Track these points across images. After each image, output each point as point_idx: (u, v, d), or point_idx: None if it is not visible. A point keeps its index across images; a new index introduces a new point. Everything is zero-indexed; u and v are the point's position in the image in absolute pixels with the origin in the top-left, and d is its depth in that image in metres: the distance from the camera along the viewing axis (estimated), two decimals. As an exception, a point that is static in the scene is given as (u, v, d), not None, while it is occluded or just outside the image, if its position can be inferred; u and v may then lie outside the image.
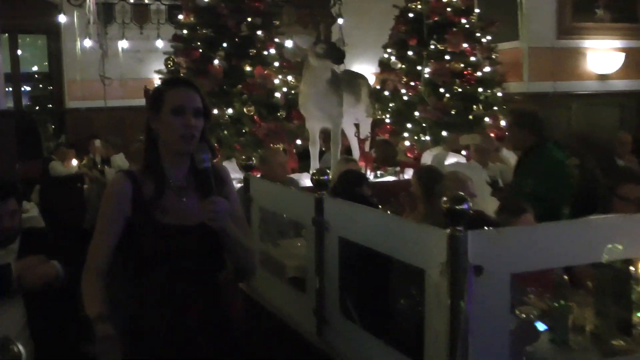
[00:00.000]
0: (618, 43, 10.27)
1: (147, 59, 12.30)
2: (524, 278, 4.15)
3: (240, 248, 2.99)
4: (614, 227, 3.31)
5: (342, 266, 3.76)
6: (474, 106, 9.10)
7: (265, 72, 8.56)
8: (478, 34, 9.33)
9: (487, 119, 9.08)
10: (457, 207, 2.49)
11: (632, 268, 3.64)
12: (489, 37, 9.43)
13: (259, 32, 8.77)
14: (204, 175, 2.84)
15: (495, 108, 9.25)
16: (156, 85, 3.20)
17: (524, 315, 3.58)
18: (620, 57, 10.31)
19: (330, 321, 3.75)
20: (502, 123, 9.06)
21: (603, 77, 10.34)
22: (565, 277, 4.19)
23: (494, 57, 9.43)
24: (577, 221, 4.21)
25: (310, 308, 3.86)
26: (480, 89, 9.18)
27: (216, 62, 8.48)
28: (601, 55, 10.28)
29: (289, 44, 8.98)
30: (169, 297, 2.95)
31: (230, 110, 8.41)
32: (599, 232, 3.19)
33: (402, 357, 3.19)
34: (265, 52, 8.75)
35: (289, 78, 8.93)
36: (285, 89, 8.77)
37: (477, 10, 9.53)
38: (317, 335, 3.84)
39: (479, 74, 9.20)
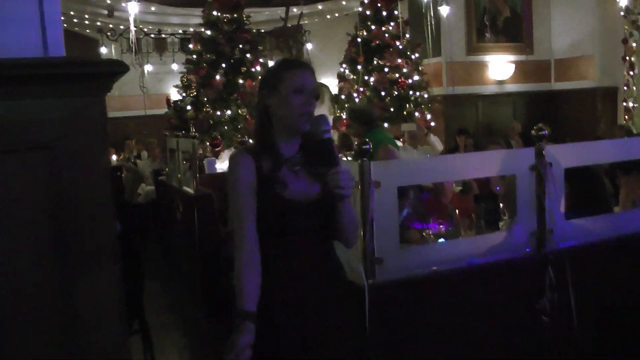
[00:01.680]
0: (510, 57, 10.63)
1: (165, 79, 12.70)
2: (429, 210, 4.65)
3: (352, 219, 2.54)
4: (464, 160, 3.75)
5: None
6: (407, 105, 9.67)
7: (254, 83, 9.20)
8: (408, 53, 9.87)
9: (416, 114, 9.62)
10: (363, 146, 2.96)
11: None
12: (416, 55, 9.97)
13: (248, 55, 9.49)
14: (327, 145, 2.39)
15: (423, 106, 9.82)
16: (270, 67, 2.69)
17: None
18: (512, 67, 10.67)
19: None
20: (428, 117, 9.73)
21: (500, 82, 10.67)
22: (457, 210, 4.94)
23: (420, 69, 9.96)
24: (443, 156, 4.89)
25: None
26: (411, 92, 9.72)
27: (217, 77, 9.23)
28: (498, 66, 10.60)
29: (270, 63, 9.80)
30: (292, 273, 2.49)
31: (229, 112, 9.12)
32: (451, 162, 3.68)
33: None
34: (253, 70, 9.48)
35: None
36: None
37: (407, 36, 10.01)
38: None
39: (409, 81, 9.72)
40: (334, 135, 9.29)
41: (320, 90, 9.38)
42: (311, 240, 2.51)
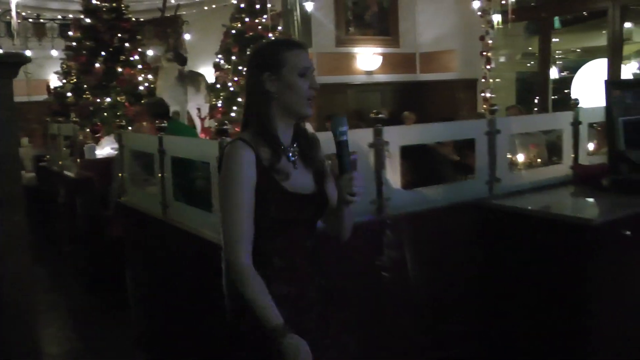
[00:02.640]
0: (378, 49, 11.07)
1: (45, 64, 12.51)
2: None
3: (350, 215, 2.44)
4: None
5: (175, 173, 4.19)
6: None
7: (132, 72, 9.44)
8: None
9: None
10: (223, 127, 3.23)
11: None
12: None
13: (127, 44, 9.60)
14: (342, 148, 2.28)
15: None
16: (264, 43, 2.49)
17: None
18: (379, 59, 11.10)
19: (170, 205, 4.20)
20: None
21: (368, 73, 11.08)
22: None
23: None
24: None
25: (159, 201, 4.25)
26: None
27: (97, 65, 9.30)
28: (366, 58, 11.01)
29: (149, 52, 10.07)
30: (290, 267, 2.37)
31: (108, 99, 9.27)
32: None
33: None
34: (132, 58, 9.59)
35: (149, 76, 9.72)
36: (146, 84, 9.58)
37: (280, 28, 10.46)
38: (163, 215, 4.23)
39: None
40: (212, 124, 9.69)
41: (196, 78, 9.84)
42: (307, 233, 2.42)
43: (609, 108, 4.82)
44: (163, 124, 4.38)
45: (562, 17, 11.42)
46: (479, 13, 9.95)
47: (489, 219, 4.15)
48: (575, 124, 4.84)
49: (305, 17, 10.40)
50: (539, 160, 5.89)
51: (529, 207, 4.05)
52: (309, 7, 9.97)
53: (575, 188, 4.65)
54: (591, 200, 4.37)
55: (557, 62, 13.19)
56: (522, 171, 5.33)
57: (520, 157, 5.98)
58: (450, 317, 4.08)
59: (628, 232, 3.76)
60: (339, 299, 2.58)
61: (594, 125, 5.42)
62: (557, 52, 13.39)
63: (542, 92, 10.35)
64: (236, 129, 10.12)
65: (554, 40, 11.14)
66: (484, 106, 9.99)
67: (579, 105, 4.87)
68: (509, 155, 4.72)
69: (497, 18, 9.63)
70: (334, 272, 3.44)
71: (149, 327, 4.87)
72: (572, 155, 4.86)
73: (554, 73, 12.19)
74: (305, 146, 2.40)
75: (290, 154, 2.35)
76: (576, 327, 3.77)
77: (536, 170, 5.25)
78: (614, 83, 5.30)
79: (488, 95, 10.06)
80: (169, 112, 6.33)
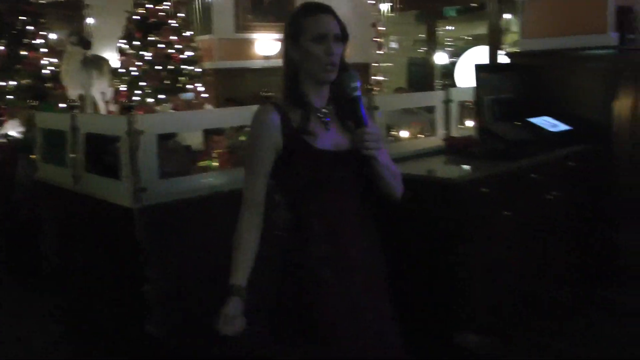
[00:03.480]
0: (276, 35, 11.22)
1: None
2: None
3: (389, 173, 2.39)
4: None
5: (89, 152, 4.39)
6: (181, 77, 10.23)
7: (36, 55, 9.50)
8: (182, 30, 10.41)
9: (189, 86, 10.25)
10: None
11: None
12: (190, 32, 10.56)
13: (30, 27, 9.58)
14: (355, 103, 2.29)
15: (196, 78, 10.45)
16: (294, 10, 2.48)
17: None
18: (278, 45, 11.15)
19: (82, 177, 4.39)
20: (200, 88, 10.42)
21: (266, 57, 11.32)
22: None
23: (193, 45, 10.53)
24: (191, 111, 5.83)
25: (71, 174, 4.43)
26: (184, 66, 10.28)
27: (1, 47, 9.34)
28: (265, 43, 11.31)
29: (52, 36, 10.11)
30: (330, 230, 2.35)
31: (13, 82, 9.31)
32: (194, 115, 4.74)
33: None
34: (35, 41, 9.59)
35: (54, 60, 9.76)
36: (51, 68, 9.65)
37: (181, 15, 10.59)
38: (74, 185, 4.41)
39: (183, 56, 10.26)
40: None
41: (100, 63, 9.99)
42: (347, 194, 2.38)
43: (477, 88, 5.43)
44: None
45: (456, 7, 12.03)
46: (371, 1, 10.48)
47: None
48: (447, 102, 5.44)
49: (206, 3, 10.69)
50: (421, 135, 6.40)
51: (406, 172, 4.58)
52: None
53: (447, 157, 5.27)
54: (458, 165, 5.00)
55: (448, 48, 13.92)
56: (402, 142, 5.88)
57: (404, 133, 6.54)
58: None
59: (485, 189, 4.33)
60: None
61: (467, 103, 6.00)
62: (449, 39, 14.13)
63: (429, 76, 10.97)
64: (141, 112, 10.50)
65: (448, 27, 11.73)
66: (377, 88, 10.54)
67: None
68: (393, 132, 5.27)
69: (385, 7, 10.17)
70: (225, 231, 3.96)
71: (65, 298, 5.02)
72: (445, 129, 5.46)
73: (444, 58, 12.89)
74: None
75: (323, 115, 2.38)
76: (442, 274, 4.32)
77: (414, 142, 5.82)
78: (481, 67, 5.90)
79: (380, 78, 10.61)
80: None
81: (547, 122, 5.77)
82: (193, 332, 3.77)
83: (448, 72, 12.34)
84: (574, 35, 5.95)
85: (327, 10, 2.40)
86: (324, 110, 2.39)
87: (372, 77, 10.86)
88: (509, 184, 4.64)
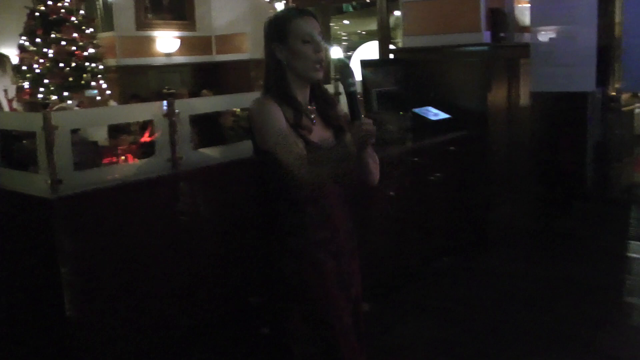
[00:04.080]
0: (176, 33, 11.64)
1: None
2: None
3: (373, 161, 2.57)
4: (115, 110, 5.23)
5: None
6: (84, 74, 10.35)
7: None
8: (83, 27, 10.53)
9: (93, 83, 10.35)
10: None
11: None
12: (92, 29, 10.70)
13: None
14: (353, 97, 2.39)
15: (99, 75, 10.58)
16: (274, 15, 2.63)
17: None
18: (178, 42, 11.71)
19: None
20: (104, 85, 10.56)
21: (168, 55, 11.62)
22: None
23: (95, 42, 10.69)
24: (101, 107, 5.91)
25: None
26: (87, 63, 10.40)
27: None
28: (166, 41, 11.56)
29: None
30: (323, 214, 2.54)
31: None
32: (107, 111, 4.99)
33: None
34: None
35: None
36: None
37: (82, 12, 10.70)
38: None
39: (85, 53, 10.41)
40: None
41: (2, 60, 10.00)
42: (334, 183, 2.54)
43: (363, 82, 5.92)
44: None
45: (352, 3, 12.47)
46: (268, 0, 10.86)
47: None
48: (336, 94, 5.86)
49: (107, 1, 10.82)
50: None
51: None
52: None
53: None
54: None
55: (344, 43, 14.41)
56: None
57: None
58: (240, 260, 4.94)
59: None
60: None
61: (358, 94, 6.48)
62: (344, 34, 14.62)
63: (325, 70, 11.40)
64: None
65: (345, 22, 12.09)
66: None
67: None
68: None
69: (280, 5, 10.58)
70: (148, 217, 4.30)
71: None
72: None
73: (339, 53, 13.35)
74: (323, 106, 2.56)
75: (309, 114, 2.52)
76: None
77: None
78: (365, 62, 6.40)
79: (279, 73, 10.97)
80: None
81: (430, 112, 6.36)
82: (110, 317, 4.13)
83: (374, 64, 12.72)
84: (451, 33, 6.56)
85: (311, 13, 2.54)
86: (309, 108, 2.54)
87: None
88: (394, 167, 5.17)
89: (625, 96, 9.27)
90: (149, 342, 4.33)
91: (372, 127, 2.31)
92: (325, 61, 2.63)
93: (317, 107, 2.56)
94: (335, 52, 12.87)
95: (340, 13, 13.77)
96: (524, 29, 7.02)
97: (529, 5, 6.92)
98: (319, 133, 2.52)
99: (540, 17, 6.78)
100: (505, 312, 5.03)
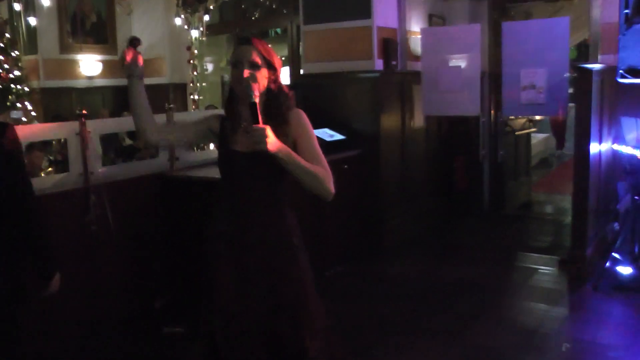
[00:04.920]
0: (98, 56, 11.89)
1: None
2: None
3: (303, 173, 2.72)
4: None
5: None
6: (10, 96, 10.43)
7: None
8: (9, 50, 10.54)
9: (18, 104, 10.43)
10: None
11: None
12: (16, 52, 10.70)
13: None
14: (252, 108, 2.61)
15: (24, 97, 10.57)
16: None
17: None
18: (100, 65, 11.92)
19: None
20: (29, 106, 10.64)
21: (90, 77, 11.81)
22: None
23: (19, 64, 10.72)
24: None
25: None
26: (12, 85, 10.46)
27: None
28: (88, 64, 11.78)
29: None
30: (234, 210, 2.86)
31: None
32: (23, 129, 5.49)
33: None
34: None
35: None
36: None
37: (7, 35, 10.67)
38: None
39: (11, 75, 10.43)
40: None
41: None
42: (254, 186, 2.83)
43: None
44: None
45: (277, 30, 13.00)
46: (186, 27, 11.30)
47: (171, 187, 5.63)
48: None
49: (30, 25, 11.04)
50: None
51: (198, 175, 5.55)
52: (33, 20, 10.71)
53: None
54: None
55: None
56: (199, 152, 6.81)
57: (212, 146, 7.46)
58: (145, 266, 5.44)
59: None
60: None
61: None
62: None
63: (242, 93, 11.85)
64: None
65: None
66: (193, 107, 11.38)
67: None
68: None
69: (195, 33, 11.06)
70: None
71: None
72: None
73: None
74: (267, 120, 2.68)
75: (244, 126, 2.80)
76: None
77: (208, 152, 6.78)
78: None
79: (196, 97, 11.46)
80: None
81: (326, 133, 6.93)
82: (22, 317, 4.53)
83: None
84: (347, 60, 7.17)
85: (246, 40, 2.83)
86: (245, 123, 2.79)
87: (190, 96, 11.61)
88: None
89: (520, 121, 10.07)
90: (57, 341, 4.75)
91: (263, 134, 2.52)
92: (256, 79, 2.75)
93: (264, 120, 2.67)
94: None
95: (265, 37, 14.21)
96: (416, 57, 7.67)
97: (420, 36, 7.60)
98: (247, 142, 2.68)
99: (430, 47, 7.45)
100: (390, 309, 5.59)
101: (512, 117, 9.40)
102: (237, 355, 2.85)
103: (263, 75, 2.78)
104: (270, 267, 2.85)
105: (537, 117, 12.40)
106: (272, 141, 2.55)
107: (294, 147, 2.79)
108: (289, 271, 2.90)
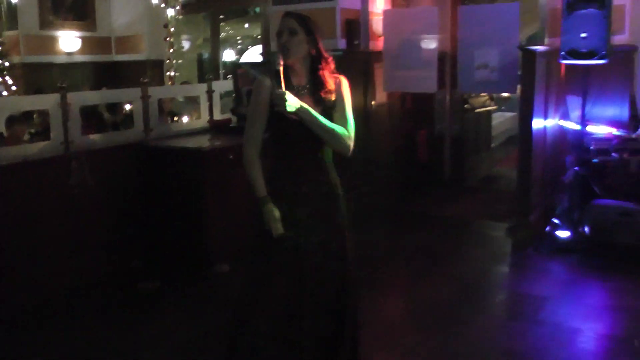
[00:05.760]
0: (77, 33, 12.06)
1: None
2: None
3: (320, 129, 3.04)
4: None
5: None
6: None
7: None
8: None
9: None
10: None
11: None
12: None
13: None
14: (276, 74, 2.99)
15: (5, 72, 11.01)
16: None
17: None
18: (79, 42, 12.11)
19: None
20: (9, 81, 10.98)
21: (70, 53, 12.01)
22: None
23: (1, 41, 11.09)
24: None
25: None
26: None
27: None
28: (68, 40, 11.97)
29: None
30: (289, 170, 3.16)
31: None
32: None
33: None
34: None
35: None
36: None
37: None
38: None
39: None
40: None
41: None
42: (305, 149, 3.14)
43: (234, 81, 6.91)
44: None
45: (257, 9, 13.34)
46: (163, 5, 11.66)
47: (146, 155, 6.08)
48: (210, 92, 6.89)
49: (11, 1, 11.28)
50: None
51: (171, 145, 6.02)
52: None
53: (210, 134, 6.72)
54: (213, 139, 6.45)
55: (239, 46, 15.30)
56: (178, 123, 7.29)
57: (185, 118, 7.95)
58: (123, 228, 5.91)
59: (231, 156, 5.83)
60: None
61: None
62: (239, 37, 15.50)
63: (215, 70, 12.32)
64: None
65: (245, 25, 12.81)
66: (169, 82, 11.78)
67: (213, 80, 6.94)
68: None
69: (171, 12, 11.44)
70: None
71: None
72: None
73: (232, 55, 14.25)
74: (314, 86, 3.13)
75: (297, 91, 3.08)
76: (196, 221, 5.82)
77: (188, 123, 7.26)
78: (238, 64, 7.41)
79: (172, 73, 11.85)
80: None
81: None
82: (8, 274, 4.99)
83: (236, 66, 13.62)
84: (312, 40, 7.57)
85: (287, 14, 3.17)
86: (300, 86, 3.12)
87: (166, 73, 12.00)
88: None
89: (481, 99, 10.56)
90: (42, 297, 5.21)
91: (282, 97, 2.91)
92: (295, 45, 3.08)
93: (310, 86, 3.12)
94: (228, 55, 13.76)
95: (245, 15, 14.45)
96: (379, 37, 8.12)
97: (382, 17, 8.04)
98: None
99: (391, 28, 7.89)
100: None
101: (473, 95, 9.87)
102: (285, 300, 3.14)
103: (302, 40, 3.09)
104: (320, 214, 3.18)
105: (504, 96, 12.94)
106: (291, 103, 2.92)
107: (333, 106, 3.15)
108: (335, 216, 3.25)
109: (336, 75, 3.24)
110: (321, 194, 3.19)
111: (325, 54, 3.18)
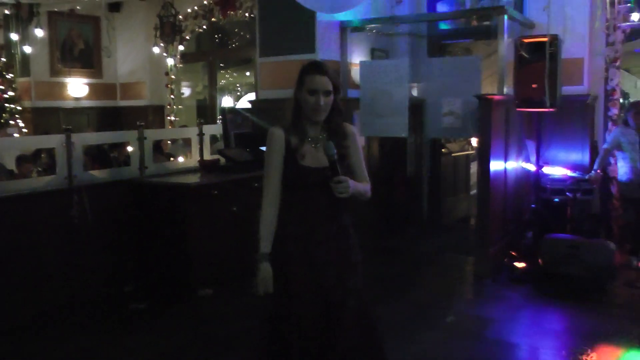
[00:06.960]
0: (84, 80, 12.67)
1: None
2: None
3: (358, 195, 3.15)
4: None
5: None
6: (4, 114, 11.54)
7: None
8: (4, 72, 11.72)
9: (11, 122, 11.54)
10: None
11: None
12: (11, 75, 11.81)
13: None
14: (332, 164, 2.96)
15: (17, 115, 11.73)
16: (302, 68, 3.17)
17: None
18: (86, 88, 12.67)
19: None
20: (20, 124, 11.69)
21: (77, 99, 12.56)
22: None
23: (14, 86, 11.81)
24: None
25: None
26: (6, 105, 11.60)
27: None
28: (75, 86, 12.54)
29: None
30: (304, 215, 3.14)
31: None
32: None
33: None
34: None
35: None
36: None
37: (3, 59, 11.84)
38: None
39: (5, 96, 11.54)
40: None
41: None
42: (319, 194, 3.08)
43: (224, 125, 7.52)
44: None
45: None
46: (164, 54, 12.34)
47: (140, 190, 6.63)
48: (200, 134, 7.49)
49: (24, 50, 11.88)
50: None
51: (162, 181, 6.60)
52: (28, 48, 11.67)
53: (199, 172, 7.25)
54: (201, 177, 6.97)
55: (237, 93, 15.80)
56: (166, 163, 7.86)
57: (180, 159, 8.56)
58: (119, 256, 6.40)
59: (215, 192, 6.43)
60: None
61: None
62: (238, 84, 16.03)
63: (212, 116, 12.88)
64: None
65: (246, 73, 13.32)
66: (169, 126, 12.34)
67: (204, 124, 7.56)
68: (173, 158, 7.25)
69: (171, 62, 12.11)
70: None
71: None
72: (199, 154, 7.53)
73: (230, 101, 14.75)
74: (330, 137, 3.10)
75: (312, 142, 3.12)
76: (183, 250, 6.31)
77: (181, 162, 7.85)
78: (227, 110, 8.03)
79: (172, 118, 12.47)
80: None
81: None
82: (11, 293, 5.50)
83: (234, 111, 14.11)
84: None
85: (321, 70, 3.08)
86: (315, 138, 3.13)
87: (167, 117, 12.60)
88: (234, 188, 6.70)
89: (460, 143, 11.10)
90: (42, 313, 5.70)
91: (347, 185, 2.98)
92: (328, 105, 3.09)
93: (327, 136, 3.12)
94: (226, 101, 14.28)
95: (245, 64, 14.94)
96: (357, 86, 8.67)
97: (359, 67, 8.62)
98: (317, 158, 3.09)
99: (366, 77, 8.44)
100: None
101: (451, 139, 10.39)
102: (313, 332, 3.15)
103: (332, 99, 3.11)
104: (335, 255, 3.19)
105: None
106: (351, 187, 3.00)
107: (348, 153, 3.20)
108: (350, 256, 3.26)
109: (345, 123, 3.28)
110: (335, 234, 3.20)
111: (340, 105, 3.21)
